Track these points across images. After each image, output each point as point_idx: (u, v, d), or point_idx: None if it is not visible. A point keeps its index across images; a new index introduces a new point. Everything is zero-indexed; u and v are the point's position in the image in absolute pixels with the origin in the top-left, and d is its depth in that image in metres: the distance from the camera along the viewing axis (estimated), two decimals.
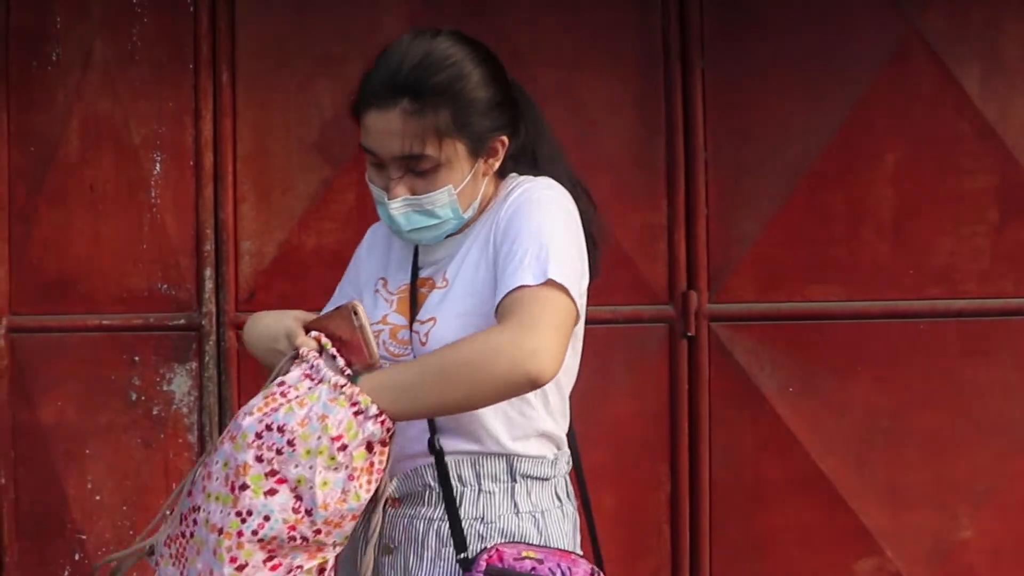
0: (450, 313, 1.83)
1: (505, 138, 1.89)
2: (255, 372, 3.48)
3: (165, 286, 3.52)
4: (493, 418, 1.84)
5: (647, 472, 3.50)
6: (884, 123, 3.45)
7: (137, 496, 3.53)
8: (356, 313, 1.74)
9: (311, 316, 1.85)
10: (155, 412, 3.54)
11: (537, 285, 1.71)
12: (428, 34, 1.83)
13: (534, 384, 1.66)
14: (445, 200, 1.83)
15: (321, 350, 1.76)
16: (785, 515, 3.48)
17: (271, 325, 1.87)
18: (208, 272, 3.50)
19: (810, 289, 3.47)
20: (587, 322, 1.94)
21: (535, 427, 1.88)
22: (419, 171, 1.81)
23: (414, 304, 1.89)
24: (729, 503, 3.49)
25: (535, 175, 1.93)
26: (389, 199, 1.83)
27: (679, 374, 3.47)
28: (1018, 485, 3.47)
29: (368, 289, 2.00)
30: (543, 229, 1.78)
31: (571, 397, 2.00)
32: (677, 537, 3.50)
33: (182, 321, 3.52)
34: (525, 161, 1.96)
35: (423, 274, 1.93)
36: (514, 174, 1.95)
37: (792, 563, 3.49)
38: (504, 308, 1.72)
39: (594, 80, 3.47)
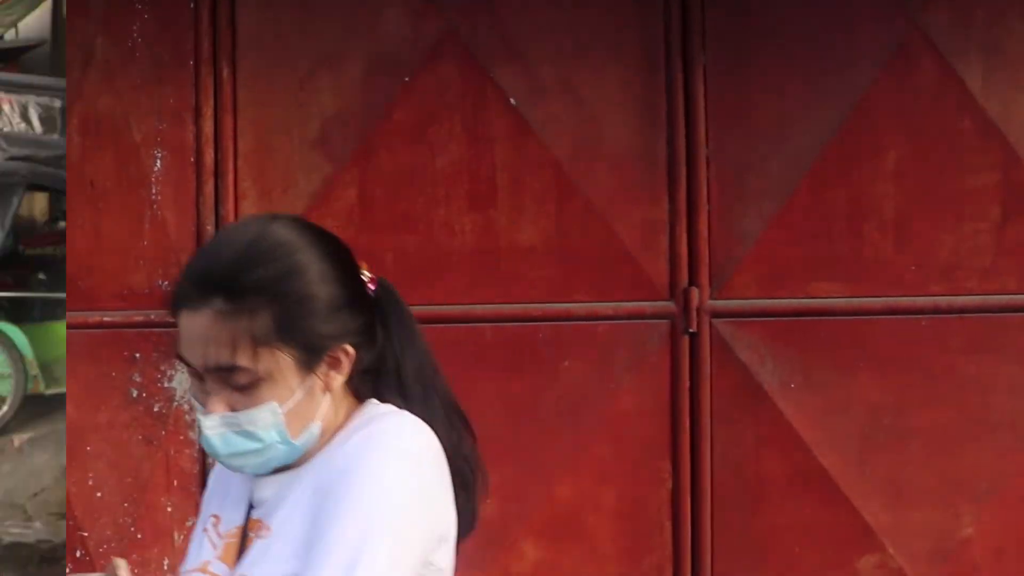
0: None
1: (350, 347, 1.53)
2: None
3: (166, 283, 3.52)
4: None
5: (648, 468, 3.49)
6: (886, 120, 3.44)
7: (138, 493, 3.53)
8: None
9: None
10: (156, 409, 3.53)
11: None
12: (264, 219, 1.55)
13: None
14: (268, 420, 1.49)
15: None
16: (787, 512, 3.47)
17: None
18: None
19: (812, 285, 3.46)
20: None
21: None
22: (237, 385, 1.49)
23: (242, 553, 1.56)
24: (731, 500, 3.48)
25: (400, 397, 1.59)
26: (204, 416, 1.51)
27: (681, 370, 3.46)
28: (1021, 482, 3.46)
29: (200, 527, 1.66)
30: (362, 520, 1.45)
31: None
32: (678, 534, 3.49)
33: None
34: (388, 378, 1.61)
35: (255, 514, 1.58)
36: (373, 401, 1.59)
37: (794, 560, 3.49)
38: None
39: (595, 75, 3.46)
